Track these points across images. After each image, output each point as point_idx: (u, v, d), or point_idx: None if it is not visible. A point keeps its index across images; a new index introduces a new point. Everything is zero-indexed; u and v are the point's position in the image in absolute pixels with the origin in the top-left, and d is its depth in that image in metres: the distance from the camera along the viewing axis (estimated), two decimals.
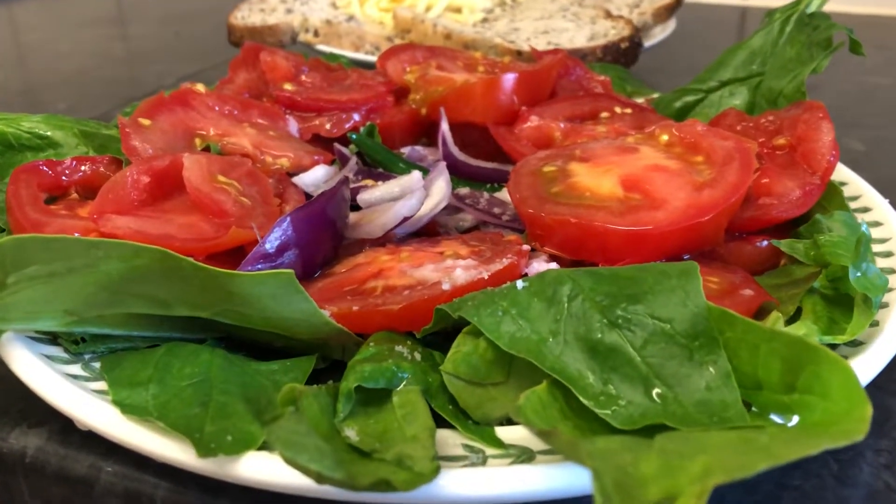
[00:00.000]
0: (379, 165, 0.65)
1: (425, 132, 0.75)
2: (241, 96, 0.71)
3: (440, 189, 0.56)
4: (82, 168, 0.57)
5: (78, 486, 0.44)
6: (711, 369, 0.35)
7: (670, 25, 1.13)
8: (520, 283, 0.40)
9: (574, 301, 0.39)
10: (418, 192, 0.53)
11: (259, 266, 0.47)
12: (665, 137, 0.57)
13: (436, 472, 0.32)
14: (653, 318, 0.37)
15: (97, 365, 0.44)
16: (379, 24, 1.12)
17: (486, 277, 0.45)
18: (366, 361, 0.40)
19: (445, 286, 0.44)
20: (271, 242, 0.47)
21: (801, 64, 0.65)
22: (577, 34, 0.97)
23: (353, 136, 0.65)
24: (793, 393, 0.33)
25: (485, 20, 1.07)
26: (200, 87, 0.67)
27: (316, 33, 1.05)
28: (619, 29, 0.98)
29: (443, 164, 0.58)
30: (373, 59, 1.01)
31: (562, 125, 0.67)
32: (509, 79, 0.69)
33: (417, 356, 0.42)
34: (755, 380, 0.35)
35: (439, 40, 1.00)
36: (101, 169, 0.58)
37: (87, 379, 0.43)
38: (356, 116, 0.71)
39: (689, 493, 0.25)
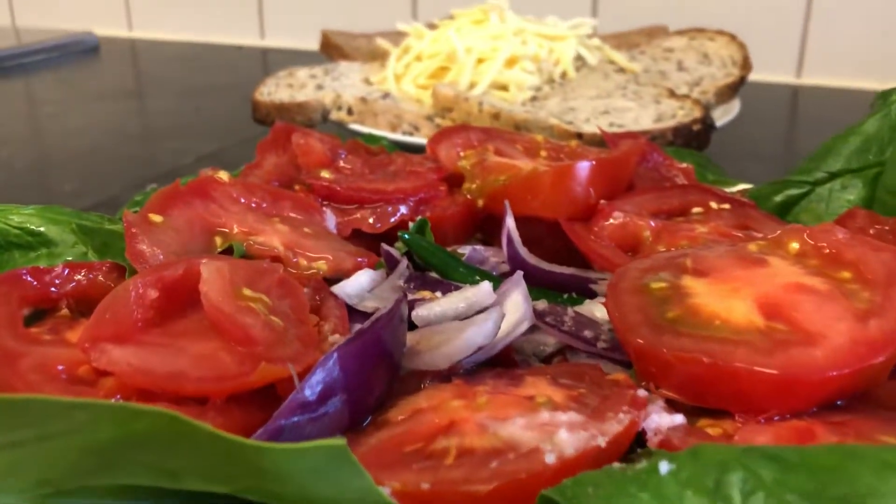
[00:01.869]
0: (434, 269, 0.54)
1: (481, 226, 0.65)
2: (270, 185, 0.60)
3: (518, 306, 0.45)
4: (76, 277, 0.46)
5: None
6: None
7: (735, 106, 1.04)
8: (664, 467, 0.29)
9: (752, 498, 0.27)
10: (494, 314, 0.42)
11: (296, 419, 0.35)
12: (796, 245, 0.46)
13: None
14: None
15: None
16: (416, 101, 1.03)
17: (603, 445, 0.33)
18: None
19: (549, 458, 0.32)
20: (312, 388, 0.36)
21: None
22: (642, 114, 0.87)
23: (405, 236, 0.55)
24: None
25: (534, 98, 0.98)
26: (223, 175, 0.57)
27: (349, 111, 0.96)
28: (687, 109, 0.88)
29: (519, 276, 0.47)
30: (412, 140, 0.92)
31: (651, 223, 0.56)
32: (584, 168, 0.58)
33: None
34: None
35: (486, 120, 0.91)
36: (100, 278, 0.47)
37: None
38: (403, 209, 0.61)
39: None
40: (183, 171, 1.02)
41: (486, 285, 0.47)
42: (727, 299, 0.41)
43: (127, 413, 0.29)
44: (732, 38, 1.13)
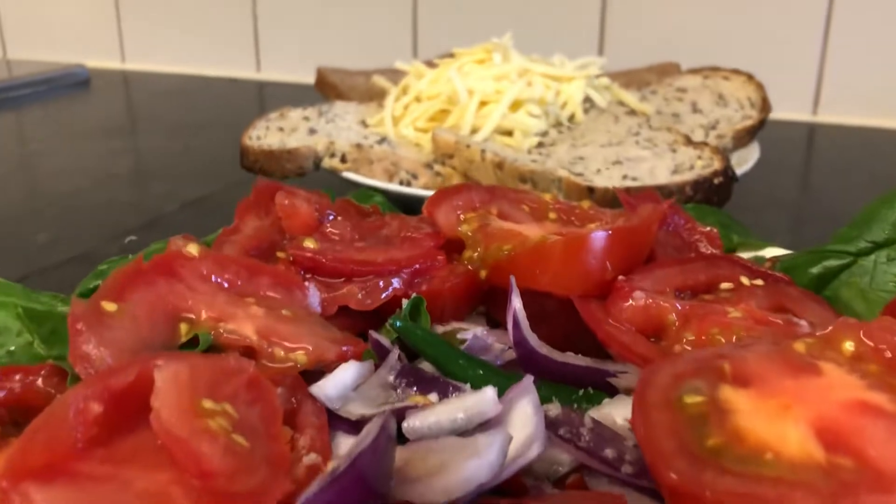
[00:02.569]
0: (430, 362, 0.47)
1: (484, 298, 0.58)
2: (246, 258, 0.54)
3: (527, 420, 0.39)
4: (8, 385, 0.40)
5: None
6: None
7: (753, 151, 0.98)
8: None
9: None
10: (498, 440, 0.36)
11: None
12: (850, 346, 0.39)
13: None
14: None
15: None
16: (415, 146, 0.97)
17: None
18: None
19: None
20: None
21: None
22: (658, 165, 0.81)
23: (397, 323, 0.48)
24: None
25: (540, 144, 0.92)
26: (193, 249, 0.50)
27: (343, 159, 0.89)
28: (706, 159, 0.81)
29: (528, 382, 0.41)
30: (409, 191, 0.85)
31: (678, 306, 0.49)
32: (600, 238, 0.52)
33: None
34: None
35: (488, 170, 0.85)
36: (39, 383, 0.41)
37: None
38: (396, 282, 0.54)
39: None
40: (166, 220, 0.96)
41: (489, 393, 0.40)
42: (777, 422, 0.35)
43: None
44: (749, 77, 1.07)
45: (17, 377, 0.40)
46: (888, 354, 0.38)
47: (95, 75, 1.89)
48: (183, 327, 0.46)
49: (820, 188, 1.08)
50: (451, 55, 1.10)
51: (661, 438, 0.35)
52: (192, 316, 0.47)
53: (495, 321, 0.58)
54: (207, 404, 0.38)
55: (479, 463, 0.34)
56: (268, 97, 1.73)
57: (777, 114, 1.26)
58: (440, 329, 0.56)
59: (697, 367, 0.39)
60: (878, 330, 0.39)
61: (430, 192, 0.85)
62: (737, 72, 1.09)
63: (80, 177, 1.13)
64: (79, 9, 2.01)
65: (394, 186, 0.86)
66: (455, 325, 0.56)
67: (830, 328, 0.41)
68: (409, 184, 0.88)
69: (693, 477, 0.32)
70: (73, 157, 1.24)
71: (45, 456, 0.34)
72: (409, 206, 0.87)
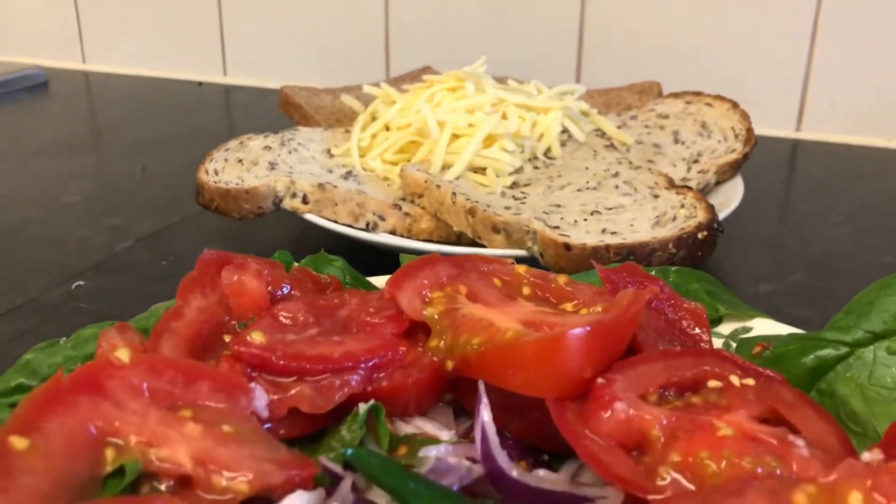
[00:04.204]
0: (388, 493, 0.42)
1: (451, 387, 0.53)
2: (187, 359, 0.49)
3: None
4: None
5: None
6: None
7: (737, 186, 0.93)
8: None
9: None
10: None
11: None
12: (857, 500, 0.35)
13: None
14: None
15: None
16: (384, 180, 0.91)
17: None
18: None
19: None
20: None
21: None
22: (638, 216, 0.76)
23: (348, 452, 0.43)
24: None
25: (514, 184, 0.87)
26: (123, 356, 0.45)
27: (305, 199, 0.84)
28: (689, 208, 0.77)
29: None
30: (376, 238, 0.80)
31: (663, 420, 0.45)
32: (577, 337, 0.47)
33: None
34: None
35: (460, 214, 0.79)
36: None
37: None
38: (353, 381, 0.49)
39: None
40: (118, 259, 0.90)
41: None
42: None
43: None
44: (734, 105, 1.02)
45: None
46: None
47: (53, 77, 1.81)
48: (109, 454, 0.41)
49: (804, 222, 1.04)
50: (422, 73, 1.04)
51: None
52: (120, 441, 0.42)
53: (464, 410, 0.53)
54: None
55: None
56: (234, 103, 1.66)
57: (760, 130, 1.23)
58: (403, 427, 0.51)
59: None
60: (889, 482, 0.35)
61: (398, 240, 0.80)
62: (720, 98, 1.04)
63: (29, 206, 1.07)
64: (35, 5, 1.93)
65: (358, 234, 0.81)
66: (419, 422, 0.51)
67: (834, 476, 0.36)
68: (375, 225, 0.83)
69: None
70: (22, 181, 1.17)
71: None
72: (374, 251, 0.82)
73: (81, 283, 0.84)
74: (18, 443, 0.38)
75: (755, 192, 1.03)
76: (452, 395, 0.54)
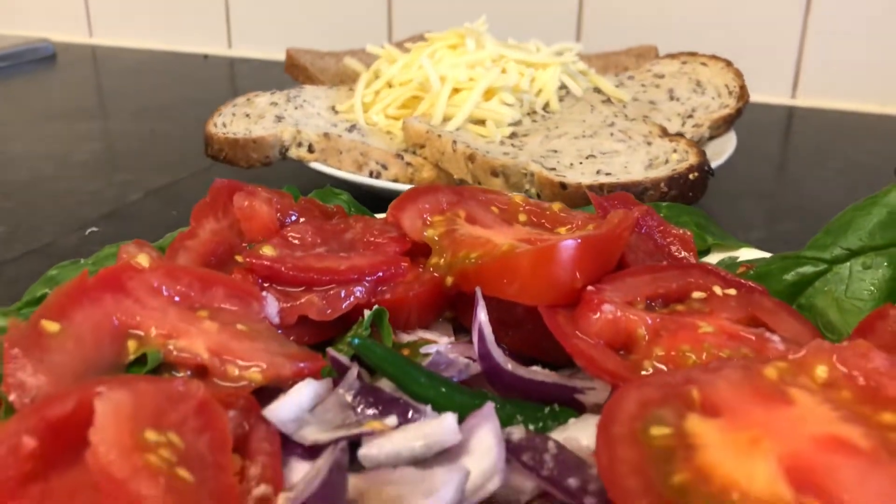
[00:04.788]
0: (390, 380, 0.45)
1: (450, 304, 0.56)
2: (203, 267, 0.52)
3: (488, 450, 0.37)
4: None
5: None
6: None
7: (730, 140, 0.96)
8: None
9: None
10: (456, 478, 0.34)
11: None
12: (823, 371, 0.38)
13: None
14: None
15: None
16: (386, 133, 0.94)
17: None
18: None
19: None
20: None
21: None
22: (632, 159, 0.79)
23: (355, 341, 0.46)
24: None
25: (513, 135, 0.89)
26: (143, 261, 0.48)
27: (310, 148, 0.87)
28: (681, 153, 0.80)
29: (490, 409, 0.39)
30: (379, 184, 0.83)
31: (648, 319, 0.48)
32: (568, 248, 0.50)
33: None
34: None
35: (460, 161, 0.82)
36: None
37: None
38: (358, 291, 0.52)
39: None
40: (128, 209, 0.93)
41: (449, 421, 0.38)
42: (746, 458, 0.33)
43: None
44: (728, 64, 1.05)
45: None
46: (861, 381, 0.37)
47: (62, 50, 1.83)
48: (131, 345, 0.44)
49: (797, 177, 1.07)
50: (423, 38, 1.07)
51: (625, 476, 0.33)
52: (141, 333, 0.45)
53: (463, 327, 0.56)
54: (151, 435, 0.36)
55: (435, 500, 0.33)
56: (238, 75, 1.69)
57: (756, 97, 1.25)
58: (405, 338, 0.54)
59: (665, 395, 0.38)
60: (852, 355, 0.38)
61: (399, 186, 0.83)
62: (715, 58, 1.07)
63: (42, 163, 1.10)
64: None
65: (362, 179, 0.84)
66: (420, 334, 0.54)
67: (803, 352, 0.39)
68: (378, 175, 0.86)
69: None
70: (34, 142, 1.20)
71: None
72: (377, 198, 0.85)
73: (95, 229, 0.87)
74: (50, 326, 0.41)
75: (750, 154, 1.06)
76: (452, 313, 0.57)
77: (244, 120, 0.94)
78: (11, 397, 0.37)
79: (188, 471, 0.35)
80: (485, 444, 0.37)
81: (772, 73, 1.41)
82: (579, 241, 0.51)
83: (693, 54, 1.10)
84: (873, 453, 0.33)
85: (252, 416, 0.41)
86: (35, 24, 1.98)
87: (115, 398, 0.36)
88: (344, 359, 0.46)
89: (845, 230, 0.55)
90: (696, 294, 0.52)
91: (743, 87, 1.00)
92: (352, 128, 0.93)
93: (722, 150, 0.92)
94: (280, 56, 1.33)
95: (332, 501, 0.32)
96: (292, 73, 1.18)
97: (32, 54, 1.76)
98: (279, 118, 0.92)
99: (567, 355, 0.48)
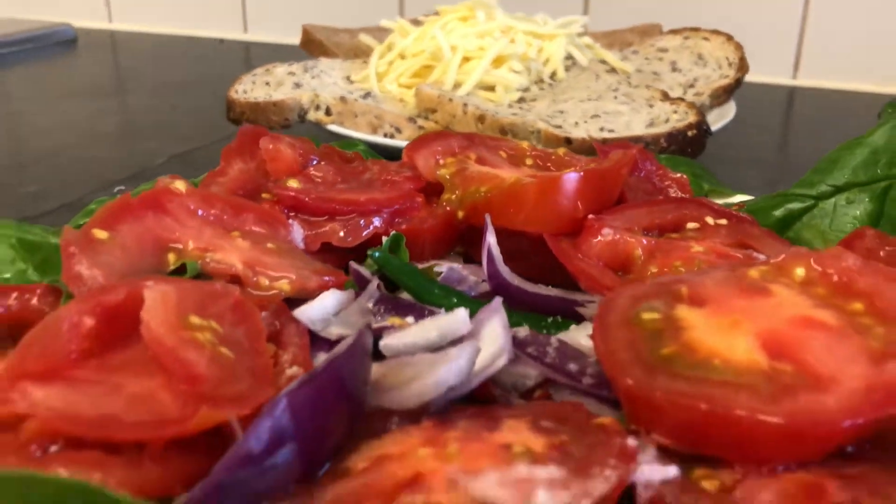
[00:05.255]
0: (407, 291, 0.50)
1: (461, 238, 0.60)
2: (234, 195, 0.56)
3: (496, 336, 0.41)
4: (7, 302, 0.42)
5: None
6: None
7: (730, 109, 1.00)
8: None
9: None
10: (468, 349, 0.38)
11: (240, 474, 0.31)
12: (801, 272, 0.42)
13: None
14: None
15: None
16: (399, 101, 0.98)
17: None
18: None
19: None
20: (258, 438, 0.31)
21: None
22: (634, 119, 0.83)
23: (375, 254, 0.50)
24: None
25: (521, 100, 0.94)
26: (180, 186, 0.52)
27: (328, 111, 0.91)
28: (681, 114, 0.84)
29: (498, 302, 0.43)
30: (392, 143, 0.87)
31: (644, 241, 0.52)
32: (571, 180, 0.54)
33: None
34: None
35: (470, 122, 0.87)
36: (34, 302, 0.43)
37: None
38: (377, 221, 0.56)
39: None
40: (153, 172, 0.97)
41: (461, 312, 0.42)
42: (727, 334, 0.37)
43: (30, 483, 0.24)
44: (728, 38, 1.09)
45: (14, 295, 0.42)
46: (836, 279, 0.41)
47: (82, 35, 1.88)
48: (171, 257, 0.49)
49: (796, 148, 1.11)
50: (437, 13, 1.11)
51: (618, 350, 0.37)
52: (180, 246, 0.49)
53: (472, 260, 0.60)
54: (194, 320, 0.40)
55: (448, 368, 0.37)
56: (254, 57, 1.73)
57: (757, 77, 1.29)
58: (419, 267, 0.58)
59: (656, 290, 0.42)
60: (828, 257, 0.42)
61: None
62: (716, 32, 1.11)
63: (66, 133, 1.14)
64: None
65: (377, 139, 0.88)
66: (433, 262, 0.58)
67: (783, 256, 0.43)
68: (392, 137, 0.90)
69: (646, 381, 0.35)
70: (59, 116, 1.25)
71: (41, 363, 0.36)
72: (392, 158, 0.89)
73: (122, 188, 0.91)
74: (100, 233, 0.46)
75: (751, 130, 1.09)
76: (462, 247, 0.61)
77: (264, 87, 0.98)
78: (70, 287, 0.42)
79: (228, 350, 0.39)
80: (494, 333, 0.41)
81: (773, 53, 1.44)
82: (581, 173, 0.55)
83: (696, 30, 1.13)
84: (841, 329, 0.37)
85: (283, 316, 0.45)
86: (56, 9, 2.03)
87: (161, 289, 0.41)
88: (365, 272, 0.50)
89: (831, 169, 0.59)
90: (690, 225, 0.56)
91: (742, 59, 1.04)
92: (366, 95, 0.98)
93: (723, 118, 0.96)
94: (294, 40, 1.38)
95: (357, 364, 0.36)
96: (308, 48, 1.22)
97: (54, 37, 1.80)
98: (297, 85, 0.97)
99: (567, 282, 0.53)
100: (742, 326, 0.38)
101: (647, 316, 0.39)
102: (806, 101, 1.40)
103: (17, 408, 0.33)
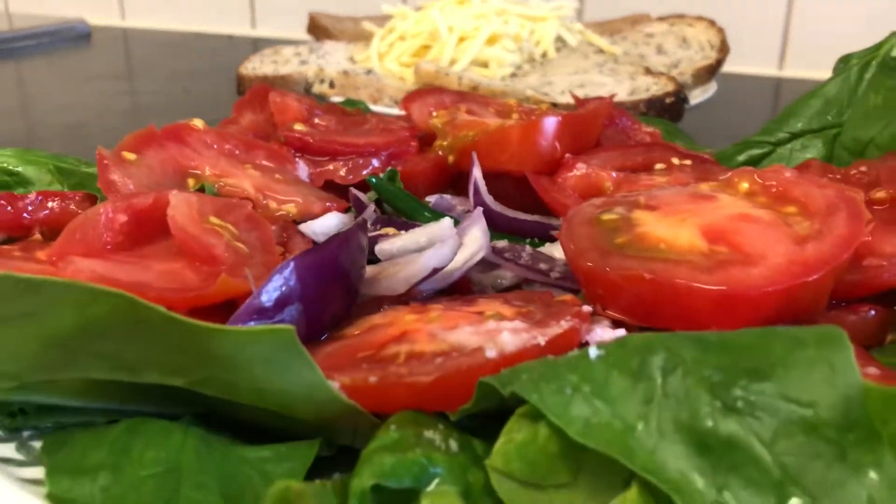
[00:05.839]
0: (401, 214, 0.56)
1: (452, 183, 0.66)
2: (245, 135, 0.62)
3: (476, 238, 0.47)
4: (49, 204, 0.48)
5: None
6: (874, 474, 0.25)
7: (712, 87, 1.06)
8: (593, 352, 0.30)
9: (671, 376, 0.29)
10: (450, 241, 0.44)
11: (252, 323, 0.37)
12: (745, 185, 0.48)
13: None
14: (786, 401, 0.27)
15: (37, 445, 0.34)
16: (399, 79, 1.05)
17: (543, 344, 0.35)
18: (386, 451, 0.30)
19: (490, 353, 0.34)
20: (269, 294, 0.37)
21: (892, 110, 0.56)
22: (617, 88, 0.89)
23: (373, 180, 0.56)
24: None
25: (513, 75, 1.00)
26: (198, 123, 0.58)
27: (331, 84, 0.97)
28: (661, 85, 0.90)
29: (478, 211, 0.49)
30: (393, 110, 0.93)
31: (613, 174, 0.58)
32: (551, 122, 0.60)
33: (453, 445, 0.32)
34: None
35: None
36: (73, 206, 0.49)
37: (20, 464, 0.33)
38: (375, 162, 0.62)
39: None
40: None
41: (446, 221, 0.48)
42: (674, 227, 0.43)
43: (84, 293, 0.30)
44: (711, 23, 1.15)
45: (56, 200, 0.48)
46: (775, 189, 0.47)
47: (96, 31, 1.95)
48: (190, 181, 0.54)
49: None
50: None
51: (580, 241, 0.43)
52: (198, 172, 0.55)
53: None
54: (214, 220, 0.46)
55: (432, 254, 0.43)
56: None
57: (744, 68, 1.35)
58: None
59: (618, 200, 0.48)
60: (769, 172, 0.48)
61: None
62: (700, 18, 1.17)
63: (85, 112, 1.20)
64: None
65: (378, 108, 0.94)
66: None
67: (730, 174, 0.49)
68: (392, 108, 0.96)
69: (602, 262, 0.41)
70: (76, 96, 1.31)
71: (81, 247, 0.42)
72: None
73: None
74: (129, 155, 0.52)
75: (737, 120, 1.15)
76: (453, 192, 0.67)
77: (272, 64, 1.04)
78: (105, 192, 0.47)
79: (243, 246, 0.45)
80: (474, 236, 0.47)
81: (760, 44, 1.50)
82: (560, 117, 0.61)
83: (681, 16, 1.20)
84: (772, 222, 0.43)
85: (290, 230, 0.51)
86: (71, 7, 2.10)
87: (185, 196, 0.47)
88: (363, 196, 0.56)
89: (789, 118, 0.65)
90: (658, 166, 0.62)
91: (724, 42, 1.10)
92: (368, 72, 1.04)
93: (704, 95, 1.02)
94: (302, 36, 1.45)
95: (353, 247, 0.42)
96: (314, 33, 1.28)
97: (69, 32, 1.87)
98: (303, 62, 1.03)
99: (548, 216, 0.58)
100: (687, 221, 0.43)
101: (606, 217, 0.45)
102: (792, 92, 1.45)
103: (64, 274, 0.39)
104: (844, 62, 0.64)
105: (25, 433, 0.35)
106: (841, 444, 0.26)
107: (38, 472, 0.32)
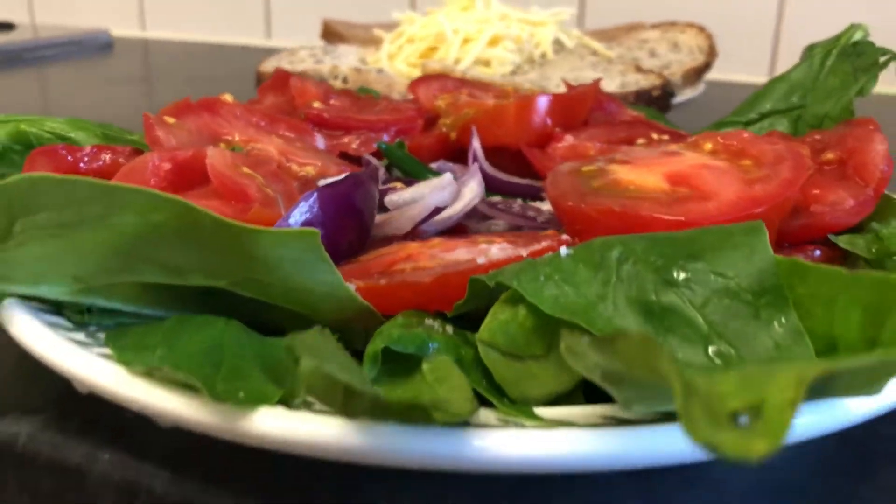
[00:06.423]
0: (408, 176, 0.63)
1: (454, 157, 0.73)
2: (270, 111, 0.69)
3: (472, 188, 0.54)
4: (103, 156, 0.55)
5: (70, 477, 0.41)
6: (779, 327, 0.32)
7: (700, 88, 1.13)
8: (563, 251, 0.37)
9: (624, 264, 0.36)
10: (450, 186, 0.51)
11: None
12: (709, 145, 0.55)
13: (473, 410, 0.28)
14: (714, 274, 0.33)
15: (102, 336, 0.41)
16: (408, 77, 1.12)
17: (525, 255, 0.42)
18: (394, 327, 0.37)
19: (481, 260, 0.41)
20: (295, 217, 0.44)
21: (845, 89, 0.63)
22: (608, 82, 0.96)
23: (383, 146, 0.63)
24: (874, 347, 0.30)
25: (513, 73, 1.07)
26: (228, 97, 0.65)
27: (345, 80, 1.05)
28: (650, 80, 0.97)
29: (475, 167, 0.56)
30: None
31: (598, 145, 0.65)
32: (543, 101, 0.67)
33: (449, 330, 0.39)
34: (829, 339, 0.31)
35: None
36: (122, 160, 0.56)
37: (91, 345, 0.40)
38: (385, 137, 0.69)
39: (778, 400, 0.21)
40: None
41: (447, 175, 0.55)
42: (643, 174, 0.50)
43: (149, 200, 0.37)
44: (701, 29, 1.22)
45: (108, 153, 0.55)
46: (736, 147, 0.54)
47: (118, 41, 2.04)
48: (222, 145, 0.62)
49: None
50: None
51: (563, 185, 0.50)
52: (229, 138, 0.62)
53: None
54: (246, 169, 0.53)
55: (435, 195, 0.50)
56: None
57: (734, 76, 1.42)
58: None
59: (597, 157, 0.55)
60: (731, 134, 0.55)
61: None
62: (691, 25, 1.24)
63: (106, 110, 1.28)
64: None
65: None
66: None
67: (696, 136, 0.56)
68: None
69: (580, 201, 0.48)
70: (101, 96, 1.39)
71: None
72: None
73: None
74: (170, 119, 0.59)
75: (724, 114, 1.22)
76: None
77: (289, 64, 1.12)
78: (151, 147, 0.55)
79: (272, 192, 0.52)
80: (471, 187, 0.54)
81: (750, 52, 1.58)
82: (552, 96, 0.68)
83: (674, 23, 1.27)
84: (728, 169, 0.49)
85: (310, 187, 0.58)
86: (94, 18, 2.19)
87: (220, 150, 0.54)
88: (374, 161, 0.63)
89: (758, 100, 0.72)
90: (639, 140, 0.69)
91: (712, 46, 1.17)
92: (379, 71, 1.11)
93: (693, 93, 1.09)
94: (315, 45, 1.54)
95: (366, 189, 0.49)
96: (328, 39, 1.36)
97: (92, 42, 1.96)
98: (318, 61, 1.11)
99: (540, 180, 0.65)
100: (654, 170, 0.50)
101: (586, 168, 0.52)
102: None
103: None
104: (810, 50, 0.71)
105: (91, 327, 0.42)
106: (755, 305, 0.32)
107: (105, 350, 0.39)
